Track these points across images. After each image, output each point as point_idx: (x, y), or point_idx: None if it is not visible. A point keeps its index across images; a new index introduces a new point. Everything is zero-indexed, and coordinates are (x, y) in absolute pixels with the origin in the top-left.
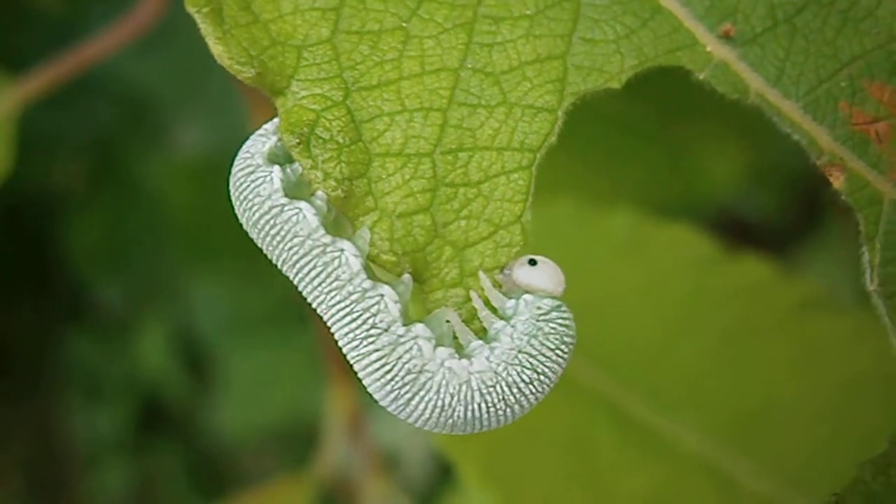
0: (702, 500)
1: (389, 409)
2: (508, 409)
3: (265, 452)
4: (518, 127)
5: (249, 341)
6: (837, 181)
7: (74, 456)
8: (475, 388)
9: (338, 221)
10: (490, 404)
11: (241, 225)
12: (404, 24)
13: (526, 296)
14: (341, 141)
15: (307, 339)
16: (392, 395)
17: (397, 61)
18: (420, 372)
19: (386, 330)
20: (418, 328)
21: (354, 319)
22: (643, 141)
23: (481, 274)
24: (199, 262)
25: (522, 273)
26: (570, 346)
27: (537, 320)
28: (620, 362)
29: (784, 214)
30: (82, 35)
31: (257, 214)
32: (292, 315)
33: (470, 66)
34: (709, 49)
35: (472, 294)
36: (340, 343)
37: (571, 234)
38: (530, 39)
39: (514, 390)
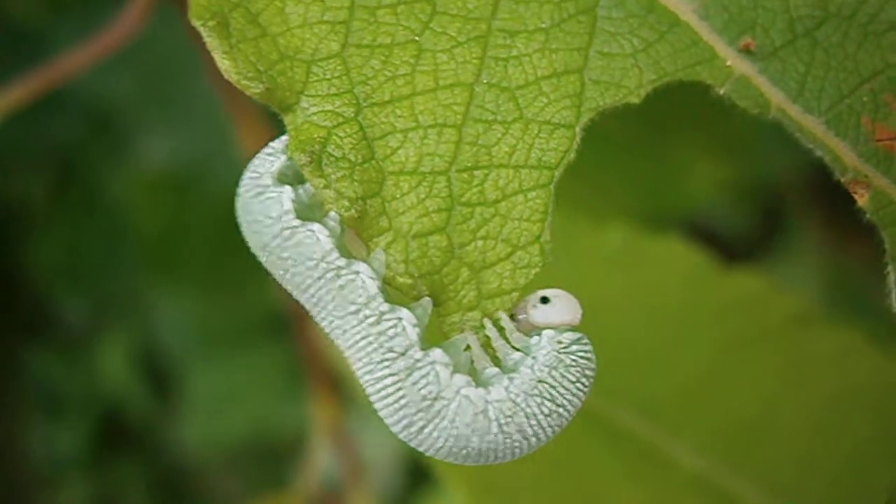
0: None
1: (401, 437)
2: (525, 441)
3: (228, 470)
4: (535, 143)
5: (213, 357)
6: (862, 199)
7: (34, 473)
8: (492, 418)
9: (350, 243)
10: (507, 435)
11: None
12: (416, 38)
13: (547, 330)
14: (354, 159)
15: (273, 355)
16: (404, 422)
17: (410, 76)
18: (435, 399)
19: (403, 354)
20: (436, 353)
21: (370, 343)
22: (629, 154)
23: (501, 314)
24: (164, 278)
25: (538, 315)
26: (591, 380)
27: (558, 353)
28: (613, 376)
29: (750, 227)
30: (56, 48)
31: (267, 237)
32: (257, 331)
33: (485, 80)
34: (729, 63)
35: (487, 323)
36: (355, 367)
37: (563, 247)
38: (546, 53)
39: (533, 422)
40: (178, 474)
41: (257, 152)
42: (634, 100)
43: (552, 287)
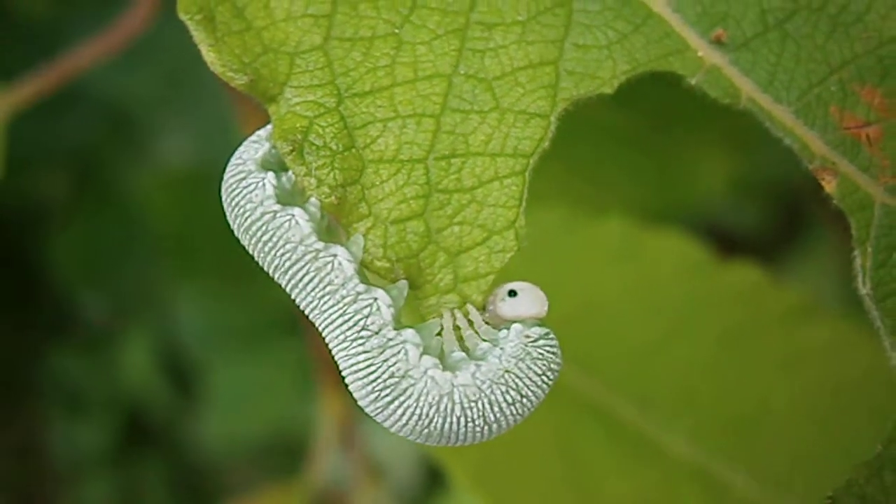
0: None
1: (368, 411)
2: (486, 427)
3: (249, 466)
4: (511, 132)
5: (233, 354)
6: (829, 185)
7: (57, 470)
8: (457, 401)
9: (331, 228)
10: (469, 419)
11: (231, 231)
12: (396, 31)
13: (515, 324)
14: (335, 147)
15: (292, 351)
16: (372, 397)
17: (390, 67)
18: (403, 377)
19: (377, 332)
20: (408, 333)
21: (346, 321)
22: (631, 149)
23: (469, 307)
24: (184, 274)
25: (506, 308)
26: (556, 373)
27: (526, 345)
28: (611, 368)
29: (767, 225)
30: (67, 44)
31: (249, 220)
32: (276, 327)
33: (462, 71)
34: (700, 54)
35: (458, 314)
36: (331, 345)
37: (563, 241)
38: (522, 45)
39: (496, 409)
40: (199, 471)
41: (243, 140)
42: (608, 90)
43: (525, 280)
